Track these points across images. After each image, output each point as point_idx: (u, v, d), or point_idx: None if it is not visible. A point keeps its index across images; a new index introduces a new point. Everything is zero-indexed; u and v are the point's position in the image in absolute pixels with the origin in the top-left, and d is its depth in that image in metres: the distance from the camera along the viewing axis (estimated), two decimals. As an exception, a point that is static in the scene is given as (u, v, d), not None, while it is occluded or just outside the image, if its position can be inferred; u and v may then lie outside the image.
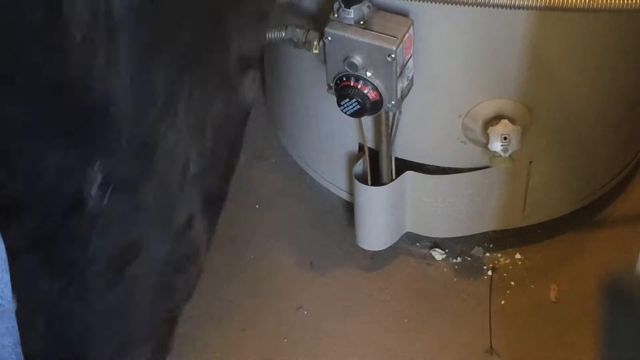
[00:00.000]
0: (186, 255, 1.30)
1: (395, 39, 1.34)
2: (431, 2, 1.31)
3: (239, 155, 1.33)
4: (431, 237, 1.70)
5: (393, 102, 1.39)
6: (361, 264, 1.68)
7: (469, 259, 1.69)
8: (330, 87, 1.41)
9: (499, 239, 1.70)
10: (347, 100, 1.38)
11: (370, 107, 1.39)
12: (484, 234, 1.69)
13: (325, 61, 1.39)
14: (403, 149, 1.56)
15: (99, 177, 1.13)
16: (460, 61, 1.44)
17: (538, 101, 1.48)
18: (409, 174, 1.58)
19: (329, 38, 1.36)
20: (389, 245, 1.66)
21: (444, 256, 1.69)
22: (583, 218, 1.71)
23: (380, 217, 1.62)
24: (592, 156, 1.63)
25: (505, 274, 1.66)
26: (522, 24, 1.37)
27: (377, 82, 1.37)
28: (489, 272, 1.67)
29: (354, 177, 1.59)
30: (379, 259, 1.68)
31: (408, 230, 1.68)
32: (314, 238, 1.72)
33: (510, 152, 1.46)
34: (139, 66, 1.06)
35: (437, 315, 1.62)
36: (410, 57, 1.39)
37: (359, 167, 1.59)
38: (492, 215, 1.65)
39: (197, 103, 1.17)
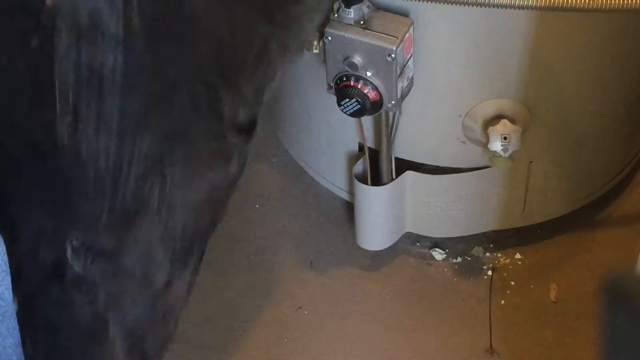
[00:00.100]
0: (161, 315, 1.28)
1: (396, 38, 1.34)
2: (431, 2, 1.31)
3: (221, 219, 1.32)
4: (431, 237, 1.70)
5: (393, 102, 1.39)
6: (361, 264, 1.68)
7: (469, 259, 1.69)
8: (330, 87, 1.41)
9: (499, 239, 1.70)
10: (347, 100, 1.38)
11: (370, 107, 1.39)
12: (484, 233, 1.69)
13: (325, 61, 1.39)
14: (403, 148, 1.56)
15: (79, 247, 1.11)
16: (460, 61, 1.44)
17: (538, 101, 1.48)
18: (409, 174, 1.58)
19: (329, 38, 1.36)
20: (389, 245, 1.66)
21: (444, 256, 1.69)
22: (583, 218, 1.71)
23: (380, 217, 1.62)
24: (592, 156, 1.63)
25: (505, 274, 1.66)
26: (522, 23, 1.37)
27: (377, 82, 1.37)
28: (489, 272, 1.67)
29: (354, 177, 1.59)
30: (379, 259, 1.68)
31: (408, 230, 1.68)
32: (314, 238, 1.72)
33: (510, 152, 1.46)
34: (126, 131, 1.04)
35: (437, 315, 1.62)
36: (411, 57, 1.39)
37: (359, 167, 1.59)
38: (492, 215, 1.65)
39: (188, 172, 1.15)
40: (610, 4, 1.27)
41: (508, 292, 1.64)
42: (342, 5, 1.35)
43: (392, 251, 1.68)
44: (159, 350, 1.28)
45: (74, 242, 1.11)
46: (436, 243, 1.70)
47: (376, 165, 1.56)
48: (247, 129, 1.22)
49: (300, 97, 1.64)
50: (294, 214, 1.75)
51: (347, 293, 1.65)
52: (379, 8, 1.37)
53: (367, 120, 1.52)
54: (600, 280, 0.78)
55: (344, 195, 1.72)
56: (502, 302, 1.63)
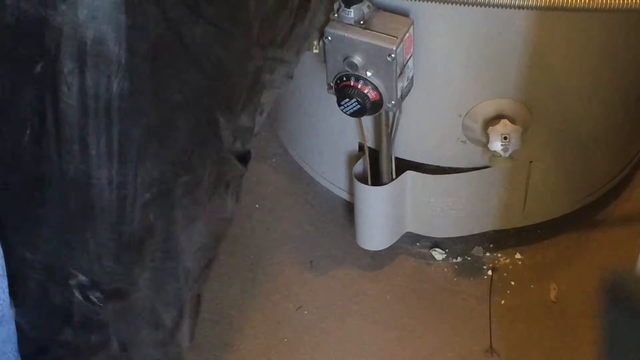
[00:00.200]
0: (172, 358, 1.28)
1: (396, 38, 1.34)
2: (431, 2, 1.31)
3: (216, 257, 1.31)
4: (431, 237, 1.70)
5: (393, 102, 1.39)
6: (361, 264, 1.68)
7: (469, 258, 1.69)
8: (330, 87, 1.41)
9: (499, 239, 1.70)
10: (347, 100, 1.38)
11: (370, 107, 1.39)
12: (484, 233, 1.69)
13: (325, 61, 1.39)
14: (403, 148, 1.56)
15: (87, 285, 1.10)
16: (460, 61, 1.44)
17: (538, 101, 1.48)
18: (409, 174, 1.58)
19: (329, 38, 1.36)
20: (389, 245, 1.66)
21: (444, 256, 1.69)
22: (583, 218, 1.71)
23: (380, 217, 1.62)
24: (592, 156, 1.63)
25: (505, 274, 1.66)
26: (522, 23, 1.37)
27: (377, 82, 1.37)
28: (489, 272, 1.67)
29: (354, 176, 1.59)
30: (379, 259, 1.68)
31: (408, 230, 1.68)
32: (314, 238, 1.72)
33: (510, 151, 1.46)
34: (131, 157, 1.03)
35: (437, 315, 1.62)
36: (411, 56, 1.39)
37: (359, 166, 1.59)
38: (492, 215, 1.65)
39: (191, 202, 1.14)
40: (610, 3, 1.27)
41: (508, 292, 1.64)
42: (342, 5, 1.35)
43: (392, 251, 1.68)
44: None
45: (82, 280, 1.09)
46: (436, 243, 1.70)
47: (376, 165, 1.56)
48: (243, 157, 1.22)
49: (300, 97, 1.64)
50: (294, 213, 1.75)
51: (347, 293, 1.65)
52: (379, 8, 1.37)
53: (367, 120, 1.52)
54: (600, 280, 0.78)
55: (344, 195, 1.72)
56: (502, 302, 1.63)
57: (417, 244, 1.70)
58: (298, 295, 1.64)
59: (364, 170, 1.59)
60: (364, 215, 1.62)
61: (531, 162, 1.58)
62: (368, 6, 1.36)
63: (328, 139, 1.64)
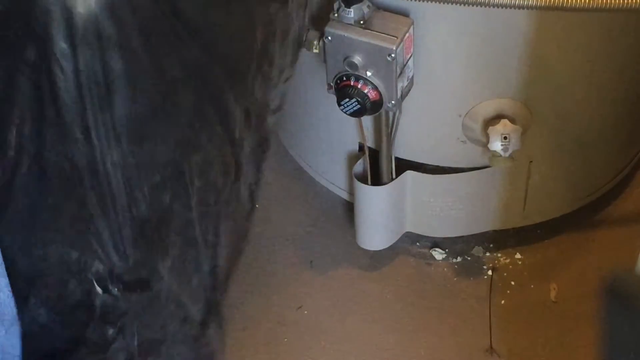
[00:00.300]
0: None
1: (396, 38, 1.34)
2: (431, 2, 1.31)
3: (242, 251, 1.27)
4: (431, 237, 1.70)
5: (393, 102, 1.39)
6: (361, 264, 1.68)
7: (469, 258, 1.69)
8: (330, 87, 1.41)
9: (499, 239, 1.70)
10: (347, 99, 1.38)
11: (370, 107, 1.39)
12: (484, 233, 1.69)
13: (325, 61, 1.39)
14: (403, 148, 1.55)
15: (105, 275, 1.07)
16: (460, 61, 1.44)
17: (538, 101, 1.48)
18: (409, 174, 1.58)
19: (329, 37, 1.36)
20: (389, 245, 1.66)
21: (444, 256, 1.69)
22: (583, 218, 1.71)
23: (380, 216, 1.62)
24: (592, 156, 1.63)
25: (505, 274, 1.66)
26: (522, 23, 1.37)
27: (377, 82, 1.37)
28: (489, 272, 1.67)
29: (354, 176, 1.59)
30: (379, 259, 1.68)
31: (408, 229, 1.68)
32: (314, 238, 1.72)
33: (510, 151, 1.45)
34: (135, 137, 1.01)
35: (437, 315, 1.62)
36: (411, 56, 1.39)
37: (359, 166, 1.59)
38: (492, 215, 1.65)
39: (207, 184, 1.11)
40: (610, 3, 1.27)
41: (508, 292, 1.64)
42: (342, 5, 1.35)
43: (392, 251, 1.68)
44: None
45: (100, 270, 1.06)
46: (436, 243, 1.70)
47: (376, 165, 1.56)
48: (259, 144, 1.19)
49: (300, 97, 1.64)
50: (294, 213, 1.75)
51: (347, 293, 1.65)
52: (379, 8, 1.37)
53: (367, 120, 1.52)
54: (600, 280, 0.78)
55: (344, 195, 1.72)
56: (502, 302, 1.63)
57: (417, 244, 1.70)
58: (298, 295, 1.64)
59: (364, 170, 1.59)
60: (364, 215, 1.62)
61: (531, 162, 1.58)
62: (368, 6, 1.35)
63: (328, 139, 1.64)
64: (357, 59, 1.36)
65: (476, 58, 1.43)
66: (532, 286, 1.65)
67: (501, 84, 1.46)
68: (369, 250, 1.67)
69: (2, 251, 1.04)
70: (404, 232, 1.68)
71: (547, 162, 1.60)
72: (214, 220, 1.16)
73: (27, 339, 1.09)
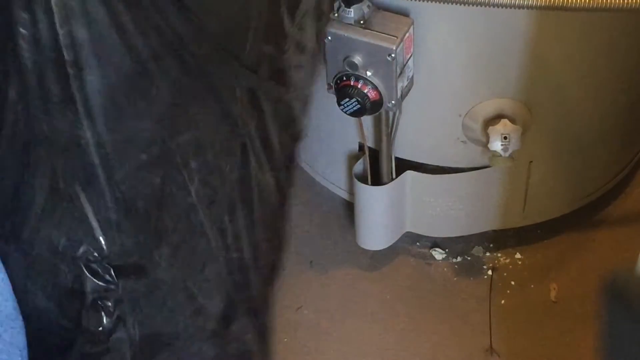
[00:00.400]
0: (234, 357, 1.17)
1: (396, 38, 1.34)
2: (431, 2, 1.31)
3: (284, 237, 1.20)
4: (431, 237, 1.70)
5: (393, 102, 1.39)
6: (361, 264, 1.68)
7: (469, 258, 1.69)
8: (330, 87, 1.41)
9: (499, 239, 1.70)
10: (347, 99, 1.38)
11: (370, 107, 1.39)
12: (484, 233, 1.69)
13: (325, 61, 1.39)
14: (403, 148, 1.55)
15: (97, 260, 1.02)
16: (460, 61, 1.44)
17: (538, 101, 1.48)
18: (409, 174, 1.58)
19: (329, 37, 1.36)
20: (389, 244, 1.66)
21: (444, 256, 1.69)
22: (583, 218, 1.71)
23: (380, 216, 1.61)
24: (592, 156, 1.63)
25: (505, 274, 1.66)
26: (522, 23, 1.37)
27: (377, 82, 1.37)
28: (489, 272, 1.66)
29: (354, 176, 1.59)
30: (379, 259, 1.68)
31: (408, 229, 1.68)
32: (314, 238, 1.72)
33: (510, 151, 1.45)
34: (111, 112, 0.95)
35: (437, 315, 1.62)
36: (411, 56, 1.39)
37: (359, 166, 1.59)
38: (492, 215, 1.65)
39: (205, 163, 1.04)
40: (610, 3, 1.27)
41: (508, 292, 1.64)
42: (342, 5, 1.35)
43: (392, 251, 1.68)
44: None
45: (88, 253, 1.02)
46: (436, 243, 1.70)
47: (376, 165, 1.56)
48: (285, 124, 1.11)
49: (300, 97, 1.64)
50: (294, 213, 1.75)
51: (347, 293, 1.65)
52: (379, 8, 1.37)
53: (367, 120, 1.52)
54: (600, 280, 0.78)
55: (344, 195, 1.72)
56: (502, 302, 1.63)
57: (417, 243, 1.70)
58: (298, 296, 1.64)
59: (364, 170, 1.59)
60: (364, 215, 1.62)
61: (531, 162, 1.58)
62: (368, 6, 1.35)
63: (328, 139, 1.64)
64: (357, 59, 1.36)
65: (476, 58, 1.43)
66: (532, 286, 1.65)
67: (501, 84, 1.46)
68: (369, 250, 1.67)
69: None
70: (404, 232, 1.68)
71: (547, 162, 1.60)
72: (225, 207, 1.09)
73: (31, 331, 1.08)
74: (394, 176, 1.57)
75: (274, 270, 1.24)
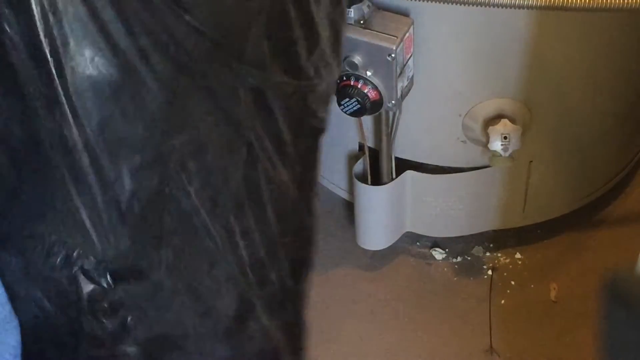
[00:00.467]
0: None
1: (396, 38, 1.34)
2: (431, 2, 1.31)
3: (312, 234, 1.16)
4: (431, 237, 1.70)
5: (393, 102, 1.39)
6: (361, 264, 1.68)
7: (469, 258, 1.69)
8: (330, 87, 1.41)
9: (499, 239, 1.70)
10: (347, 99, 1.38)
11: (370, 107, 1.39)
12: (484, 233, 1.69)
13: (325, 61, 1.39)
14: (403, 148, 1.55)
15: (89, 262, 1.00)
16: (461, 61, 1.44)
17: (538, 101, 1.48)
18: (409, 174, 1.58)
19: (329, 37, 1.36)
20: (389, 244, 1.66)
21: (444, 256, 1.69)
22: (583, 218, 1.71)
23: (380, 216, 1.61)
24: (591, 156, 1.63)
25: (505, 274, 1.66)
26: (522, 23, 1.37)
27: (377, 82, 1.37)
28: (489, 272, 1.67)
29: (354, 176, 1.59)
30: (379, 259, 1.68)
31: (408, 229, 1.68)
32: (313, 238, 1.72)
33: (510, 151, 1.45)
34: (89, 110, 0.93)
35: (437, 315, 1.62)
36: (411, 56, 1.39)
37: (359, 166, 1.59)
38: (492, 215, 1.65)
39: (203, 166, 1.01)
40: (610, 3, 1.27)
41: (508, 292, 1.64)
42: (342, 5, 1.35)
43: (392, 251, 1.68)
44: None
45: (83, 257, 1.00)
46: (436, 243, 1.70)
47: (376, 165, 1.56)
48: (301, 120, 1.07)
49: (300, 97, 1.64)
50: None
51: (347, 293, 1.65)
52: (379, 8, 1.37)
53: (367, 120, 1.52)
54: (600, 280, 0.78)
55: (344, 195, 1.72)
56: (502, 302, 1.63)
57: (417, 243, 1.70)
58: (298, 295, 1.64)
59: (364, 170, 1.59)
60: (364, 215, 1.62)
61: (531, 162, 1.58)
62: (368, 6, 1.35)
63: (328, 138, 1.64)
64: (357, 59, 1.36)
65: (476, 58, 1.43)
66: (532, 286, 1.65)
67: (501, 84, 1.46)
68: (369, 250, 1.67)
69: None
70: (404, 232, 1.68)
71: (547, 162, 1.60)
72: (231, 206, 1.06)
73: (29, 336, 1.07)
74: (394, 176, 1.57)
75: (303, 265, 1.21)
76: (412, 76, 1.42)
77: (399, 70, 1.36)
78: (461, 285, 1.65)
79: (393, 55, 1.34)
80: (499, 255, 1.69)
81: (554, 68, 1.46)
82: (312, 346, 1.59)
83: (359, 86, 1.37)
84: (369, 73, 1.36)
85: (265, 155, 1.08)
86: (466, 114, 1.48)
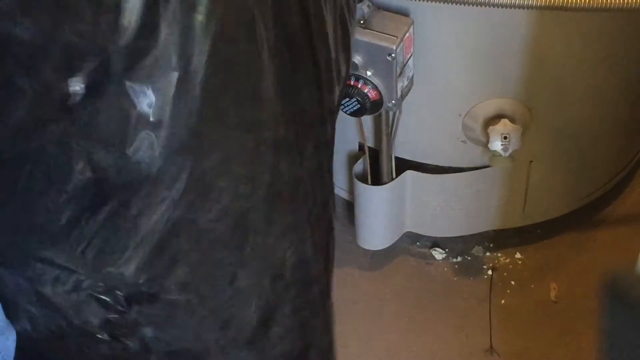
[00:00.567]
0: None
1: (396, 38, 1.34)
2: (431, 2, 1.31)
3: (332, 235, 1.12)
4: (431, 237, 1.70)
5: (393, 102, 1.39)
6: (361, 264, 1.68)
7: (469, 258, 1.69)
8: (330, 87, 1.41)
9: (499, 239, 1.70)
10: (347, 99, 1.38)
11: (370, 107, 1.39)
12: (484, 233, 1.69)
13: (325, 60, 1.39)
14: (403, 148, 1.55)
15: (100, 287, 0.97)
16: (460, 61, 1.44)
17: (538, 101, 1.48)
18: (409, 173, 1.58)
19: (329, 37, 1.36)
20: (389, 244, 1.66)
21: (444, 255, 1.69)
22: (583, 218, 1.71)
23: (380, 216, 1.61)
24: (592, 156, 1.63)
25: (505, 274, 1.66)
26: (522, 23, 1.37)
27: (377, 82, 1.37)
28: (489, 272, 1.67)
29: (354, 176, 1.59)
30: (379, 259, 1.68)
31: (408, 229, 1.68)
32: (313, 238, 1.72)
33: (510, 151, 1.45)
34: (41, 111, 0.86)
35: (437, 315, 1.62)
36: (411, 56, 1.39)
37: (359, 166, 1.59)
38: (492, 215, 1.65)
39: (238, 173, 0.95)
40: (610, 3, 1.27)
41: (508, 291, 1.64)
42: (342, 5, 1.35)
43: (392, 251, 1.68)
44: None
45: (96, 285, 0.96)
46: (436, 242, 1.70)
47: (376, 165, 1.56)
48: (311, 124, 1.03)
49: (300, 97, 1.64)
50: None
51: (347, 293, 1.65)
52: (379, 7, 1.37)
53: (367, 120, 1.52)
54: (600, 280, 0.78)
55: (344, 195, 1.72)
56: (502, 302, 1.63)
57: (417, 243, 1.70)
58: (298, 295, 1.64)
59: (364, 170, 1.59)
60: (364, 214, 1.62)
61: (531, 162, 1.58)
62: (368, 6, 1.35)
63: (328, 138, 1.64)
64: (357, 59, 1.36)
65: (476, 58, 1.43)
66: (532, 286, 1.65)
67: (501, 83, 1.46)
68: (369, 250, 1.67)
69: None
70: (404, 231, 1.68)
71: (547, 162, 1.60)
72: (261, 212, 1.00)
73: (36, 354, 1.05)
74: (394, 176, 1.57)
75: (327, 264, 1.19)
76: (412, 76, 1.42)
77: (399, 70, 1.36)
78: (461, 285, 1.65)
79: (393, 55, 1.34)
80: (499, 255, 1.69)
81: (554, 68, 1.46)
82: (312, 346, 1.59)
83: (359, 86, 1.37)
84: (369, 73, 1.36)
85: (287, 151, 1.03)
86: (466, 114, 1.48)
